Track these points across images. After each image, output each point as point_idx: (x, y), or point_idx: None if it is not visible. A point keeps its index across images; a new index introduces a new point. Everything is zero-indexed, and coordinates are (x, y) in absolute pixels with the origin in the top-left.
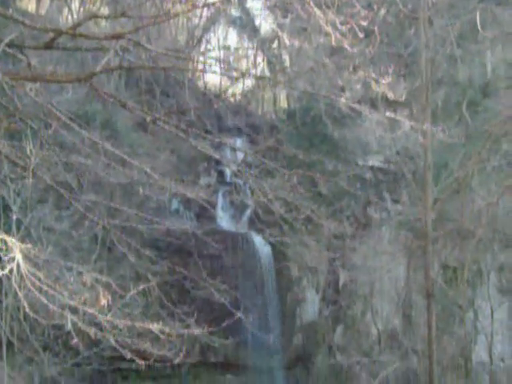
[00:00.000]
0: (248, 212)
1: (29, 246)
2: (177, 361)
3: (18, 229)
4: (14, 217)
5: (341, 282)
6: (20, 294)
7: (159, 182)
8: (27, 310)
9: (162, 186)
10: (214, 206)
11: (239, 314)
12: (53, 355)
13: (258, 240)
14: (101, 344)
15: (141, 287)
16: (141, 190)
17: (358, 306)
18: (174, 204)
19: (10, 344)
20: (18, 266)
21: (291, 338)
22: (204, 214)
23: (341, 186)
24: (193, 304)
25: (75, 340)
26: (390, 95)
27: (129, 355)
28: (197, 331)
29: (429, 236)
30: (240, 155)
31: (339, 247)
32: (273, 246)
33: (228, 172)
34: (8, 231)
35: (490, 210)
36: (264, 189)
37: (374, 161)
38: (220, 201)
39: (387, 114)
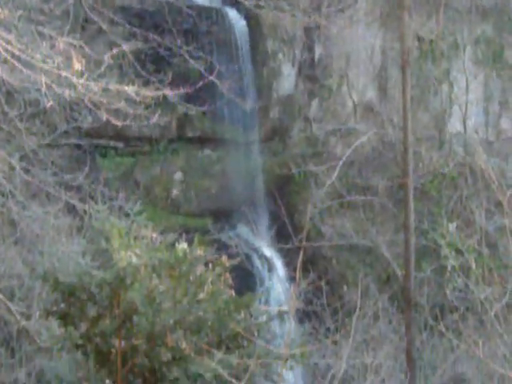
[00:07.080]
0: None
1: None
2: (152, 124)
3: None
4: None
5: (316, 56)
6: None
7: None
8: (1, 75)
9: None
10: None
11: (214, 79)
12: (31, 133)
13: (232, 14)
14: (78, 119)
15: (114, 51)
16: None
17: (333, 78)
18: None
19: None
20: None
21: (267, 112)
22: None
23: None
24: (169, 72)
25: (50, 103)
26: None
27: (104, 116)
28: (173, 93)
29: (405, 4)
30: None
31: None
32: (248, 20)
33: None
34: None
35: None
36: None
37: None
38: None
39: None
